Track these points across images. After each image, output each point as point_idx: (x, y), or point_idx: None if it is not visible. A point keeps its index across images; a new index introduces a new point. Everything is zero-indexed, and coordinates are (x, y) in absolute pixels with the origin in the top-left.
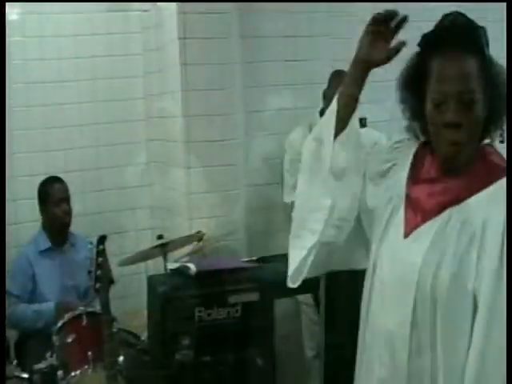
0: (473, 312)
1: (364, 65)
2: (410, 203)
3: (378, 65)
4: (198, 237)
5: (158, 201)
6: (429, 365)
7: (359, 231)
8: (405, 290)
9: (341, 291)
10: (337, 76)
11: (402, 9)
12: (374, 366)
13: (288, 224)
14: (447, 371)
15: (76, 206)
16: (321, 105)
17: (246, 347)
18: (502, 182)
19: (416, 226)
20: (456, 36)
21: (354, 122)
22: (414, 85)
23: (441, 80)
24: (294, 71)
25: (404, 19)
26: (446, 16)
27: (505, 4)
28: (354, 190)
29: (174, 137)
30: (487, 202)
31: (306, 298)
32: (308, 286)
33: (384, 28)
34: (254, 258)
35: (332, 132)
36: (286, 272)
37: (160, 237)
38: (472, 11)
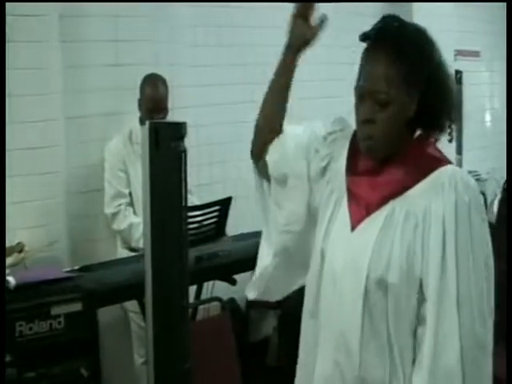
0: (419, 295)
1: (292, 48)
2: (353, 196)
3: (305, 43)
4: (18, 248)
5: None
6: (382, 350)
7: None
8: (355, 282)
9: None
10: (147, 81)
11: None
12: (326, 360)
13: (110, 233)
14: (399, 354)
15: None
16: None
17: (70, 359)
18: (439, 172)
19: (362, 219)
20: (383, 38)
21: (288, 128)
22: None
23: (361, 77)
24: (116, 76)
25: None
26: (383, 18)
27: None
28: (300, 194)
29: None
30: (427, 192)
31: (132, 306)
32: (132, 292)
33: (303, 8)
34: (77, 268)
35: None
36: (109, 280)
37: None
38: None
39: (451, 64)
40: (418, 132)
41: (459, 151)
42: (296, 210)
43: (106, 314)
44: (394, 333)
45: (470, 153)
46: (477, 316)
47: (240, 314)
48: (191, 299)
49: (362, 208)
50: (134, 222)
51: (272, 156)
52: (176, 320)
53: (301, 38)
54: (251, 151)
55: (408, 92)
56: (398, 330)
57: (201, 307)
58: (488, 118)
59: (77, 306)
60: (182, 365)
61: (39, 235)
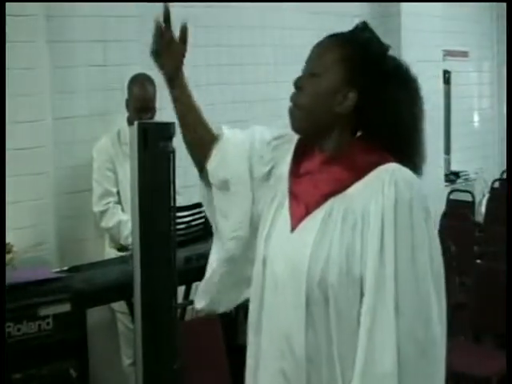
0: (360, 297)
1: (169, 83)
2: (294, 196)
3: (177, 70)
4: (7, 249)
5: None
6: (325, 355)
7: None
8: (296, 284)
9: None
10: (134, 81)
11: None
12: (272, 363)
13: (98, 233)
14: (342, 359)
15: None
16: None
17: (59, 360)
18: (380, 170)
19: (301, 219)
20: (343, 35)
21: (228, 132)
22: None
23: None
24: (104, 76)
25: (166, 11)
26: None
27: None
28: (243, 199)
29: None
30: (366, 190)
31: (120, 306)
32: (121, 293)
33: (160, 30)
34: (66, 268)
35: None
36: (97, 280)
37: None
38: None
39: (439, 64)
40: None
41: (447, 151)
42: (240, 215)
43: (94, 315)
44: (337, 339)
45: (458, 153)
46: (419, 320)
47: (229, 315)
48: (180, 299)
49: (301, 207)
50: (123, 219)
51: (212, 163)
52: (165, 320)
53: (169, 71)
54: (194, 163)
55: (343, 78)
56: (341, 336)
57: (189, 307)
58: (476, 118)
59: (65, 307)
60: (170, 365)
61: (27, 236)
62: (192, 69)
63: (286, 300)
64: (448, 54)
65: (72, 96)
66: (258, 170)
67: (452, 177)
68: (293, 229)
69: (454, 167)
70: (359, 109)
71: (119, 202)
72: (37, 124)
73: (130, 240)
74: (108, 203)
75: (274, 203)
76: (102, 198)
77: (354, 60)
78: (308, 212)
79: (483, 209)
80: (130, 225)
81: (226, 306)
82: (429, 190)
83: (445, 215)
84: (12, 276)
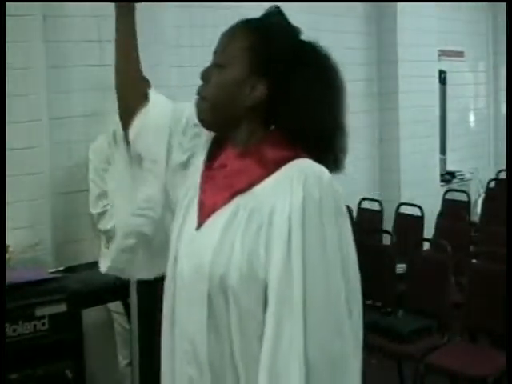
0: (264, 303)
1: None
2: (204, 192)
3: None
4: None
5: None
6: (229, 363)
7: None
8: (199, 285)
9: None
10: None
11: None
12: (182, 367)
13: (94, 233)
14: (247, 369)
15: None
16: None
17: (55, 361)
18: (290, 166)
19: (208, 216)
20: (249, 19)
21: (156, 99)
22: None
23: None
24: (100, 76)
25: None
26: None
27: None
28: (156, 179)
29: None
30: (274, 188)
31: (116, 307)
32: (117, 293)
33: None
34: (62, 269)
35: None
36: (93, 281)
37: None
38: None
39: (435, 64)
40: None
41: (443, 151)
42: (152, 195)
43: (90, 315)
44: (240, 346)
45: (454, 153)
46: (330, 331)
47: None
48: None
49: (209, 203)
50: None
51: (133, 130)
52: (161, 320)
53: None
54: (119, 116)
55: (250, 69)
56: (244, 343)
57: None
58: (472, 118)
59: (61, 307)
60: None
61: (24, 236)
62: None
63: (191, 301)
64: (443, 54)
65: (68, 96)
66: (175, 156)
67: (447, 177)
68: (199, 226)
69: (450, 167)
70: (269, 100)
71: None
72: (33, 124)
73: None
74: (106, 205)
75: (187, 197)
76: (99, 199)
77: (262, 48)
78: (214, 209)
79: (479, 209)
80: None
81: (141, 275)
82: (425, 190)
83: (440, 215)
84: (8, 276)
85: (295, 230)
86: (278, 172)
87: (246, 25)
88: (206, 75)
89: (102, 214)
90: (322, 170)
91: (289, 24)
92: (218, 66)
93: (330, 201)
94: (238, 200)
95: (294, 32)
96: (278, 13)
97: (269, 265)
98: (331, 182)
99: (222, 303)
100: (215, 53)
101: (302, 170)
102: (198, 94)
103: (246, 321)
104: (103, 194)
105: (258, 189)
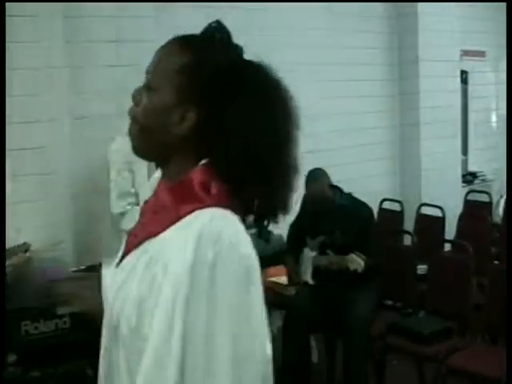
0: None
1: None
2: (134, 228)
3: None
4: (24, 248)
5: None
6: None
7: None
8: (106, 327)
9: None
10: None
11: None
12: None
13: (115, 232)
14: None
15: None
16: None
17: (76, 359)
18: (193, 217)
19: (127, 253)
20: (186, 36)
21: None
22: None
23: None
24: (120, 76)
25: None
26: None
27: None
28: None
29: None
30: (173, 240)
31: None
32: None
33: None
34: (82, 268)
35: None
36: None
37: None
38: None
39: (457, 64)
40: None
41: (464, 152)
42: None
43: None
44: None
45: (476, 153)
46: None
47: None
48: None
49: (130, 242)
50: None
51: None
52: None
53: None
54: None
55: (179, 94)
56: None
57: None
58: (494, 118)
59: None
60: None
61: (45, 235)
62: None
63: (104, 342)
64: (465, 53)
65: (88, 96)
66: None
67: (469, 177)
68: (119, 262)
69: (472, 168)
70: (200, 131)
71: (137, 203)
72: (53, 123)
73: None
74: (127, 205)
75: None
76: (120, 199)
77: (194, 71)
78: (129, 250)
79: (501, 210)
80: None
81: None
82: (446, 191)
83: (462, 216)
84: None
85: (180, 298)
86: (181, 222)
87: (181, 43)
88: (136, 97)
89: (123, 214)
90: (223, 228)
91: (230, 43)
92: (147, 87)
93: (227, 265)
94: (146, 245)
95: (234, 52)
96: (220, 29)
97: (152, 322)
98: (236, 243)
99: (115, 351)
100: (147, 72)
101: (200, 225)
102: (130, 116)
103: (132, 372)
104: (124, 194)
105: (164, 235)
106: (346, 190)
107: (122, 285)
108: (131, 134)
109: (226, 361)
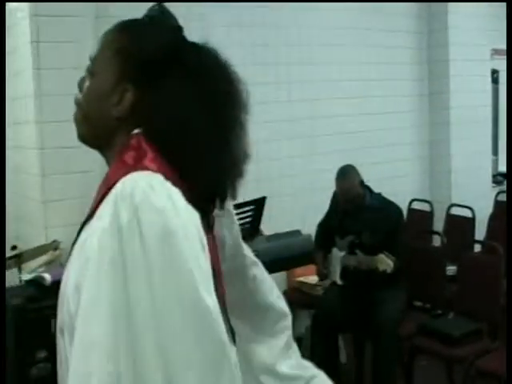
0: None
1: None
2: None
3: None
4: (54, 246)
5: (11, 210)
6: None
7: None
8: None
9: None
10: None
11: None
12: None
13: None
14: None
15: None
16: None
17: None
18: (118, 185)
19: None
20: (126, 20)
21: None
22: None
23: None
24: None
25: None
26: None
27: None
28: None
29: (28, 143)
30: (100, 214)
31: None
32: None
33: None
34: None
35: None
36: None
37: (14, 247)
38: None
39: (487, 63)
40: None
41: (495, 152)
42: None
43: None
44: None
45: (506, 154)
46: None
47: None
48: None
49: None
50: None
51: None
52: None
53: None
54: None
55: (118, 75)
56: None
57: None
58: None
59: None
60: None
61: (74, 233)
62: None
63: None
64: (496, 52)
65: None
66: None
67: (500, 178)
68: None
69: (502, 168)
70: (138, 110)
71: None
72: None
73: None
74: None
75: None
76: None
77: (129, 52)
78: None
79: None
80: None
81: None
82: (476, 192)
83: (492, 217)
84: (59, 273)
85: (95, 267)
86: (109, 195)
87: (119, 27)
88: (80, 84)
89: None
90: (136, 184)
91: (169, 25)
92: (89, 73)
93: (143, 223)
94: (87, 225)
95: (173, 34)
96: (161, 12)
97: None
98: (148, 197)
99: (61, 339)
100: (90, 58)
101: (117, 189)
102: (74, 102)
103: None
104: None
105: (96, 215)
106: (376, 189)
107: (66, 272)
108: (76, 120)
109: (147, 312)
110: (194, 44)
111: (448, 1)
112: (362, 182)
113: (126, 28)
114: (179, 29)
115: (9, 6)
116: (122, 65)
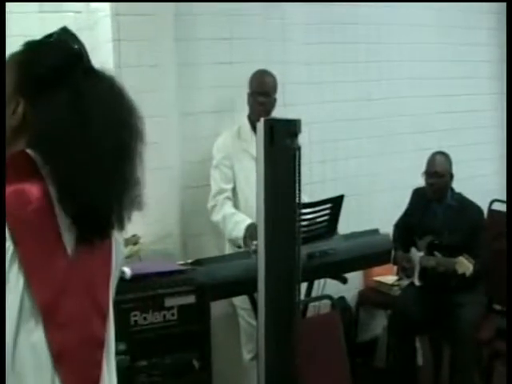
0: None
1: None
2: None
3: None
4: (134, 240)
5: None
6: None
7: None
8: None
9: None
10: (254, 73)
11: None
12: None
13: (213, 228)
14: None
15: None
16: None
17: (182, 350)
18: None
19: None
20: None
21: None
22: None
23: None
24: (228, 74)
25: None
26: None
27: None
28: None
29: None
30: None
31: (242, 302)
32: (244, 287)
33: None
34: (190, 261)
35: None
36: (221, 274)
37: None
38: None
39: None
40: None
41: None
42: None
43: (215, 309)
44: None
45: None
46: None
47: (350, 313)
48: (302, 296)
49: None
50: (227, 212)
51: None
52: (287, 316)
53: None
54: None
55: (13, 88)
56: None
57: (311, 304)
58: None
59: (190, 299)
60: (291, 360)
61: (154, 228)
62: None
63: None
64: None
65: (197, 92)
66: None
67: None
68: None
69: None
70: (25, 122)
71: (232, 198)
72: (163, 119)
73: (233, 234)
74: (223, 199)
75: None
76: (215, 195)
77: (23, 68)
78: None
79: None
80: (234, 218)
81: None
82: None
83: None
84: (138, 267)
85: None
86: None
87: (25, 45)
88: None
89: (213, 207)
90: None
91: (69, 48)
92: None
93: None
94: None
95: (69, 56)
96: (63, 34)
97: None
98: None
99: None
100: None
101: None
102: None
103: None
104: (220, 191)
105: None
106: (456, 189)
107: None
108: None
109: None
110: (89, 69)
111: None
112: (451, 176)
113: (28, 47)
114: (77, 53)
115: (89, 6)
116: (17, 79)
